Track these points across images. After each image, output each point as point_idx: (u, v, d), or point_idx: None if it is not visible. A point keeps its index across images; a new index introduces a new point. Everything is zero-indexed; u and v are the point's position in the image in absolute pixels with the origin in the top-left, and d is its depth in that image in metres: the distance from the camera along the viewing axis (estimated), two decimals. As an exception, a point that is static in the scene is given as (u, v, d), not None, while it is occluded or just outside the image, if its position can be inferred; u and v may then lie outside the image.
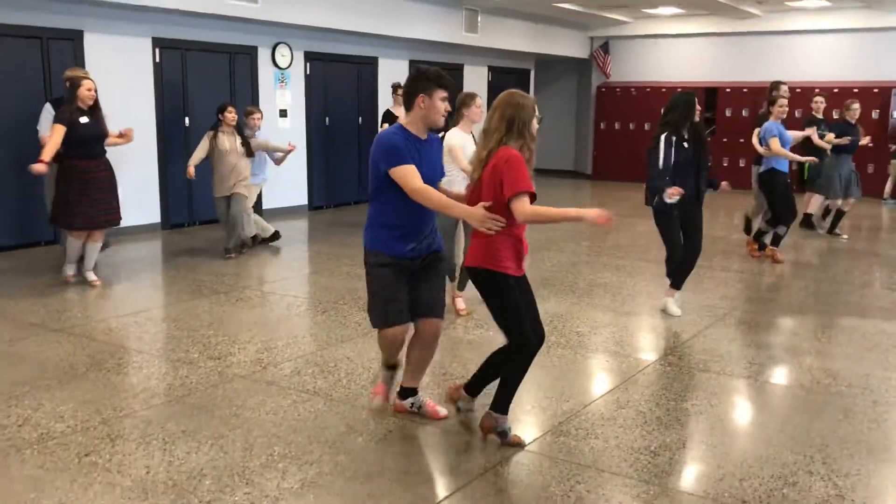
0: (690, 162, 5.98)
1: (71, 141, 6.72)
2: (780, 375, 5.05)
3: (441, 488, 3.51)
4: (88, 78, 6.97)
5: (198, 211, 10.50)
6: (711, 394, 4.61)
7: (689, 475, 3.61)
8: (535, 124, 3.74)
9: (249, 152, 8.33)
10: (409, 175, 3.68)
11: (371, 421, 4.11)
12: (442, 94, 3.78)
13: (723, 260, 8.54)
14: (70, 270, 7.13)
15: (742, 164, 15.01)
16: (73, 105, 6.79)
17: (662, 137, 5.97)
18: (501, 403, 3.83)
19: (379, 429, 4.02)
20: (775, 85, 8.93)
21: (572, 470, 3.60)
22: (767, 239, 8.51)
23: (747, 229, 9.28)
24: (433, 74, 3.80)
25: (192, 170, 8.29)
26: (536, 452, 3.80)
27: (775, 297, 7.07)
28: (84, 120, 6.82)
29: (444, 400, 4.19)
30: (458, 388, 4.05)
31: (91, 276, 7.13)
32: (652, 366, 5.10)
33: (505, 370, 3.85)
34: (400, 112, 10.20)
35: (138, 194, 9.82)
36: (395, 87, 10.07)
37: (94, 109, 6.94)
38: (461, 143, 5.84)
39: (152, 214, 10.05)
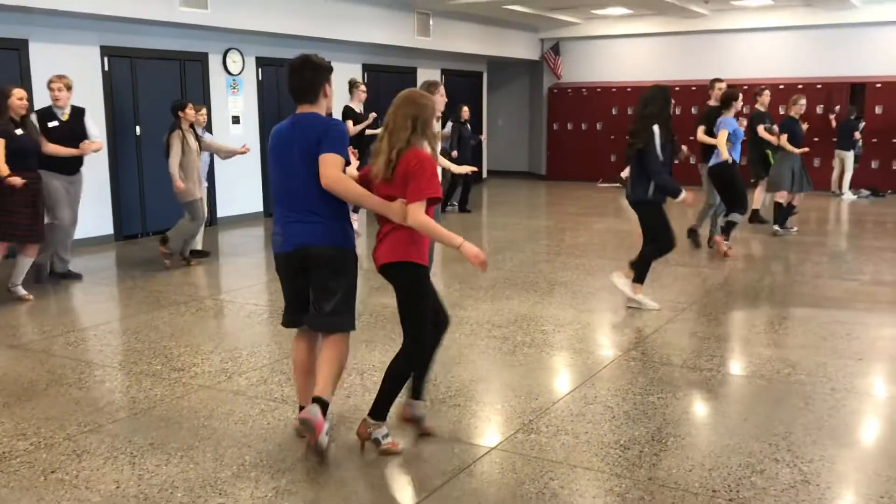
0: (669, 156, 6.10)
1: (9, 153, 6.54)
2: (740, 367, 5.16)
3: (415, 491, 3.52)
4: (19, 87, 6.84)
5: (151, 221, 10.34)
6: (676, 387, 4.69)
7: (660, 467, 3.67)
8: (435, 125, 3.74)
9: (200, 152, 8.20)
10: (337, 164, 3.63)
11: (342, 427, 4.09)
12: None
13: (679, 256, 8.67)
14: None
15: (693, 161, 15.28)
16: (6, 116, 6.61)
17: (656, 130, 6.02)
18: (379, 409, 3.74)
19: (350, 435, 4.00)
20: (713, 83, 9.04)
21: (545, 467, 3.63)
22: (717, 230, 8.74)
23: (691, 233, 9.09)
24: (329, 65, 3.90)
25: (180, 183, 7.85)
26: (508, 451, 3.82)
27: (732, 290, 7.22)
28: (19, 132, 6.68)
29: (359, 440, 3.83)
30: (362, 423, 3.80)
31: (20, 290, 6.89)
32: (616, 361, 5.17)
33: (396, 374, 3.74)
34: (359, 107, 10.26)
35: (90, 205, 9.60)
36: (352, 83, 10.12)
37: (26, 120, 6.80)
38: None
39: (105, 226, 9.86)
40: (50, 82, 7.25)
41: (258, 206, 11.93)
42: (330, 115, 4.02)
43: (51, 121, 7.25)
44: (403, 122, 3.61)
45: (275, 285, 7.68)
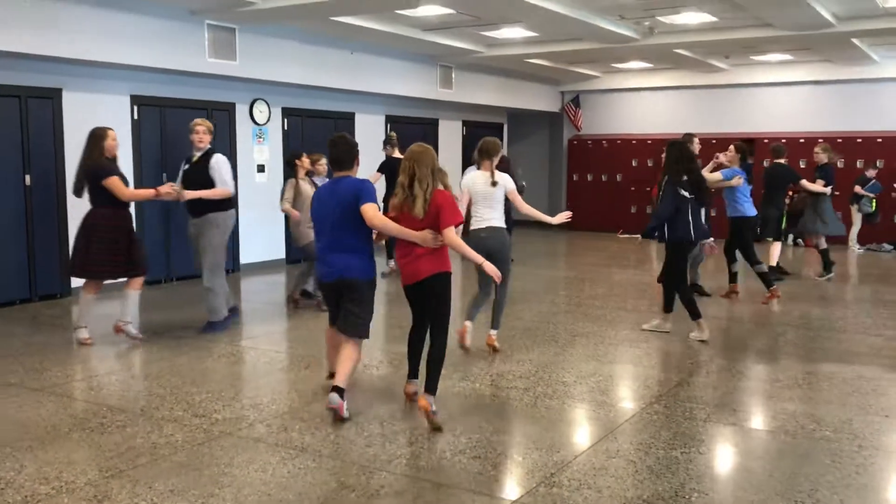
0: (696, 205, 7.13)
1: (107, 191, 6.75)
2: (765, 421, 5.10)
3: (437, 543, 3.48)
4: (112, 129, 7.02)
5: (175, 267, 10.45)
6: (699, 441, 4.64)
7: (684, 524, 3.62)
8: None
9: None
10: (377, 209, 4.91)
11: (362, 476, 4.08)
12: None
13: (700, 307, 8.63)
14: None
15: (713, 212, 15.27)
16: (103, 157, 6.81)
17: (665, 180, 7.14)
18: (433, 385, 4.86)
19: (371, 484, 3.99)
20: (689, 137, 8.95)
21: (567, 521, 3.59)
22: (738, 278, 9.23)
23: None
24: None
25: (295, 212, 8.14)
26: (530, 504, 3.78)
27: (754, 343, 7.16)
28: (122, 173, 6.98)
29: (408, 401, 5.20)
30: (422, 397, 4.86)
31: (131, 330, 7.06)
32: (639, 414, 5.13)
33: (440, 354, 4.89)
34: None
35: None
36: (390, 137, 10.38)
37: (115, 160, 7.04)
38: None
39: (129, 271, 9.96)
40: (194, 125, 7.29)
41: (280, 254, 12.03)
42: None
43: (185, 164, 7.36)
44: (427, 171, 4.81)
45: (294, 333, 7.74)
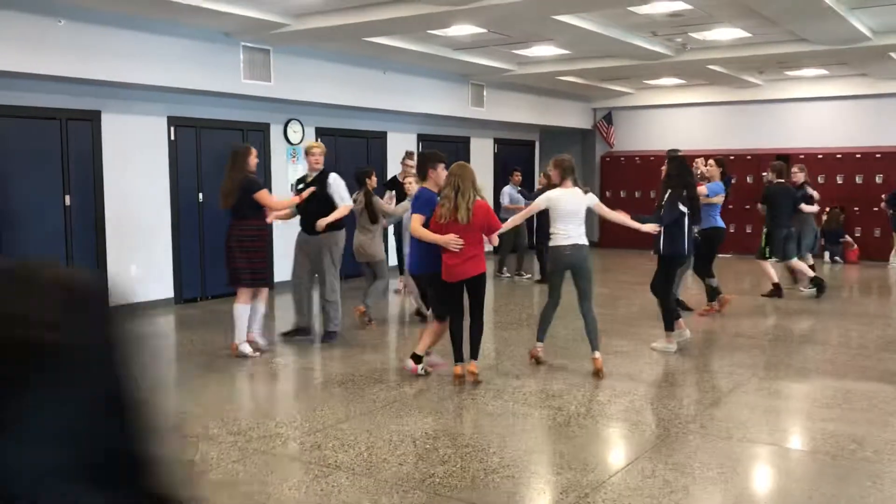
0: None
1: (256, 204, 7.18)
2: (803, 442, 5.01)
3: (470, 563, 3.47)
4: (252, 147, 7.48)
5: (209, 285, 10.57)
6: (736, 461, 4.57)
7: (721, 546, 3.57)
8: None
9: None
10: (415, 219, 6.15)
11: (395, 495, 4.08)
12: (443, 166, 6.30)
13: (735, 325, 8.54)
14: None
15: (749, 229, 15.14)
16: (246, 171, 7.20)
17: (668, 193, 7.21)
18: (475, 352, 6.20)
19: (404, 502, 3.99)
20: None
21: (602, 542, 3.55)
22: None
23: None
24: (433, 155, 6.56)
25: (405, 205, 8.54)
26: (564, 525, 3.75)
27: (791, 362, 7.05)
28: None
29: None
30: (472, 364, 6.18)
31: (246, 348, 7.23)
32: (674, 434, 5.07)
33: (479, 334, 6.19)
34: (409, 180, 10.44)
35: (153, 269, 9.91)
36: (409, 154, 10.33)
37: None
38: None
39: (166, 289, 10.11)
40: (311, 147, 7.65)
41: (313, 272, 12.10)
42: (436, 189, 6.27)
43: (300, 184, 7.71)
44: (469, 185, 5.90)
45: (328, 350, 7.75)
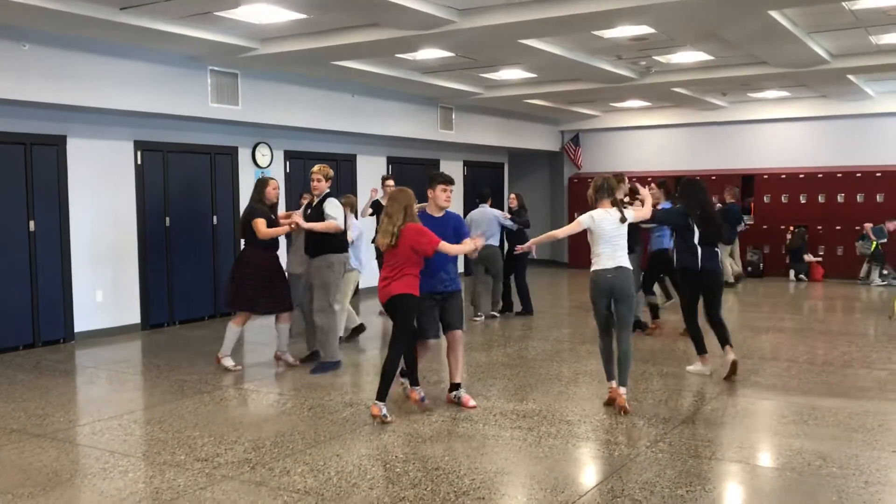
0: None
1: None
2: (770, 458, 5.06)
3: (440, 587, 3.45)
4: (275, 179, 7.80)
5: (177, 311, 10.47)
6: (705, 479, 4.60)
7: (690, 564, 3.58)
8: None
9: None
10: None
11: (365, 519, 4.05)
12: (442, 187, 6.24)
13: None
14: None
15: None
16: (264, 202, 7.62)
17: None
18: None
19: (374, 527, 3.96)
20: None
21: (572, 562, 3.55)
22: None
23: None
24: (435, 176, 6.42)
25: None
26: (535, 546, 3.75)
27: (759, 380, 7.12)
28: (272, 217, 7.70)
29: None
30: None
31: (289, 357, 7.92)
32: (643, 454, 5.09)
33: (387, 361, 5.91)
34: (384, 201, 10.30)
35: (119, 294, 9.79)
36: (387, 177, 10.34)
37: (275, 207, 7.88)
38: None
39: (132, 315, 9.99)
40: (312, 172, 7.59)
41: (283, 296, 12.02)
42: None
43: (307, 209, 7.70)
44: (399, 208, 5.89)
45: (297, 374, 7.68)
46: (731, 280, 13.53)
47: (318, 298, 7.46)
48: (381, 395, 5.82)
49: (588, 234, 6.22)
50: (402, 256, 5.80)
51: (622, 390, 6.09)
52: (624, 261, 6.09)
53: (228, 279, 7.81)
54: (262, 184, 7.68)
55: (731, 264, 13.72)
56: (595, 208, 6.22)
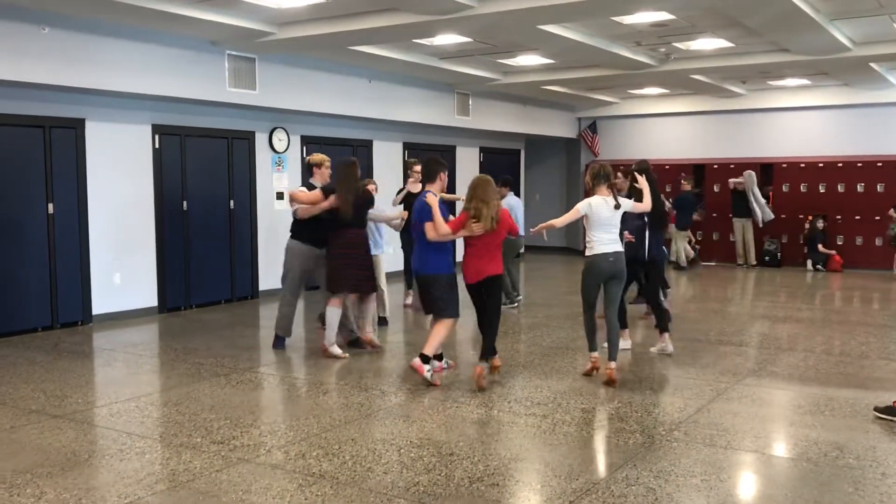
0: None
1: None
2: (786, 448, 5.04)
3: (454, 571, 3.46)
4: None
5: (194, 294, 10.53)
6: (720, 468, 4.59)
7: (704, 552, 3.58)
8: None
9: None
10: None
11: (379, 503, 4.07)
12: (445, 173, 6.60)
13: (719, 333, 8.58)
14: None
15: (732, 238, 15.26)
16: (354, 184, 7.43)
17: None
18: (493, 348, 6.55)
19: (388, 511, 3.98)
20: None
21: (586, 549, 3.56)
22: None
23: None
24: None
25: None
26: (549, 532, 3.75)
27: (775, 370, 7.09)
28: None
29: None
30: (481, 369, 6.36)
31: (336, 349, 7.56)
32: (658, 442, 5.08)
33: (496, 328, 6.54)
34: (415, 187, 10.10)
35: (136, 277, 9.86)
36: (413, 164, 10.13)
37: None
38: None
39: (149, 298, 10.06)
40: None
41: (298, 280, 12.06)
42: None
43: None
44: (492, 195, 6.26)
45: (313, 359, 7.72)
46: (684, 265, 14.42)
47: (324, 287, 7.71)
48: (486, 353, 6.49)
49: (584, 219, 6.53)
50: (496, 238, 6.29)
51: (612, 364, 6.48)
52: (619, 245, 6.55)
53: (344, 264, 7.35)
54: (352, 170, 7.47)
55: (683, 249, 14.52)
56: (592, 194, 6.57)
